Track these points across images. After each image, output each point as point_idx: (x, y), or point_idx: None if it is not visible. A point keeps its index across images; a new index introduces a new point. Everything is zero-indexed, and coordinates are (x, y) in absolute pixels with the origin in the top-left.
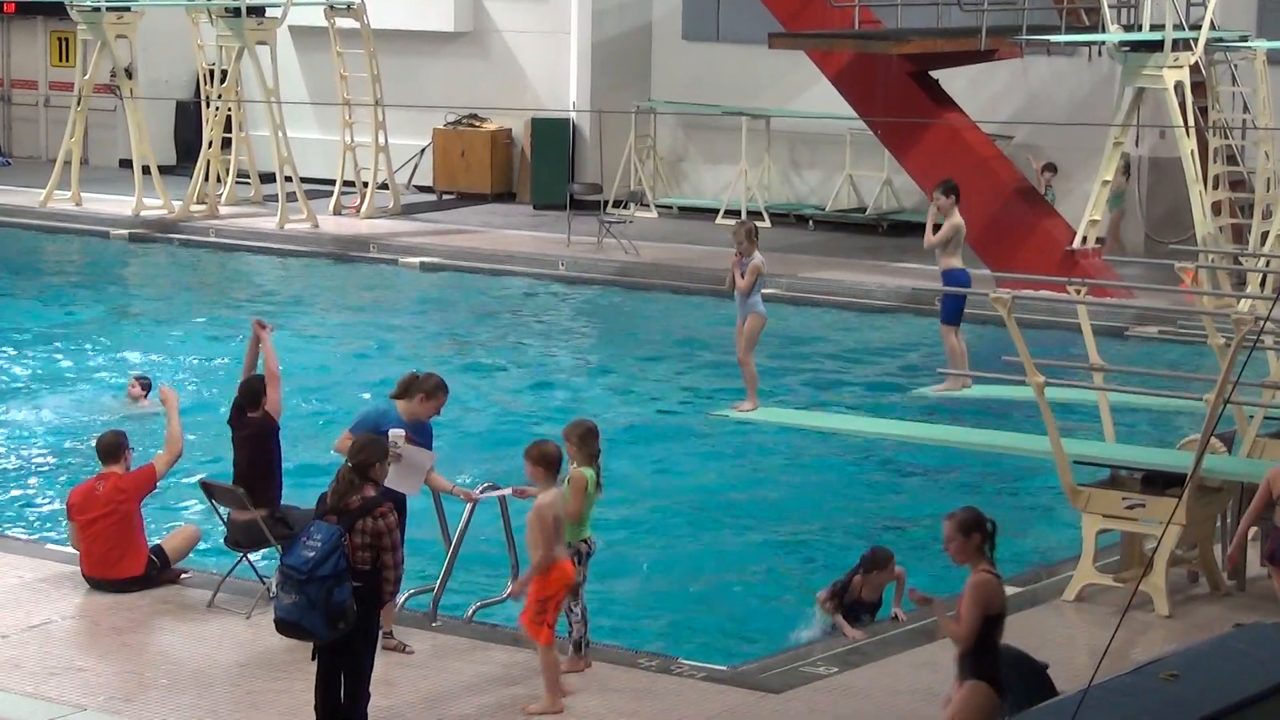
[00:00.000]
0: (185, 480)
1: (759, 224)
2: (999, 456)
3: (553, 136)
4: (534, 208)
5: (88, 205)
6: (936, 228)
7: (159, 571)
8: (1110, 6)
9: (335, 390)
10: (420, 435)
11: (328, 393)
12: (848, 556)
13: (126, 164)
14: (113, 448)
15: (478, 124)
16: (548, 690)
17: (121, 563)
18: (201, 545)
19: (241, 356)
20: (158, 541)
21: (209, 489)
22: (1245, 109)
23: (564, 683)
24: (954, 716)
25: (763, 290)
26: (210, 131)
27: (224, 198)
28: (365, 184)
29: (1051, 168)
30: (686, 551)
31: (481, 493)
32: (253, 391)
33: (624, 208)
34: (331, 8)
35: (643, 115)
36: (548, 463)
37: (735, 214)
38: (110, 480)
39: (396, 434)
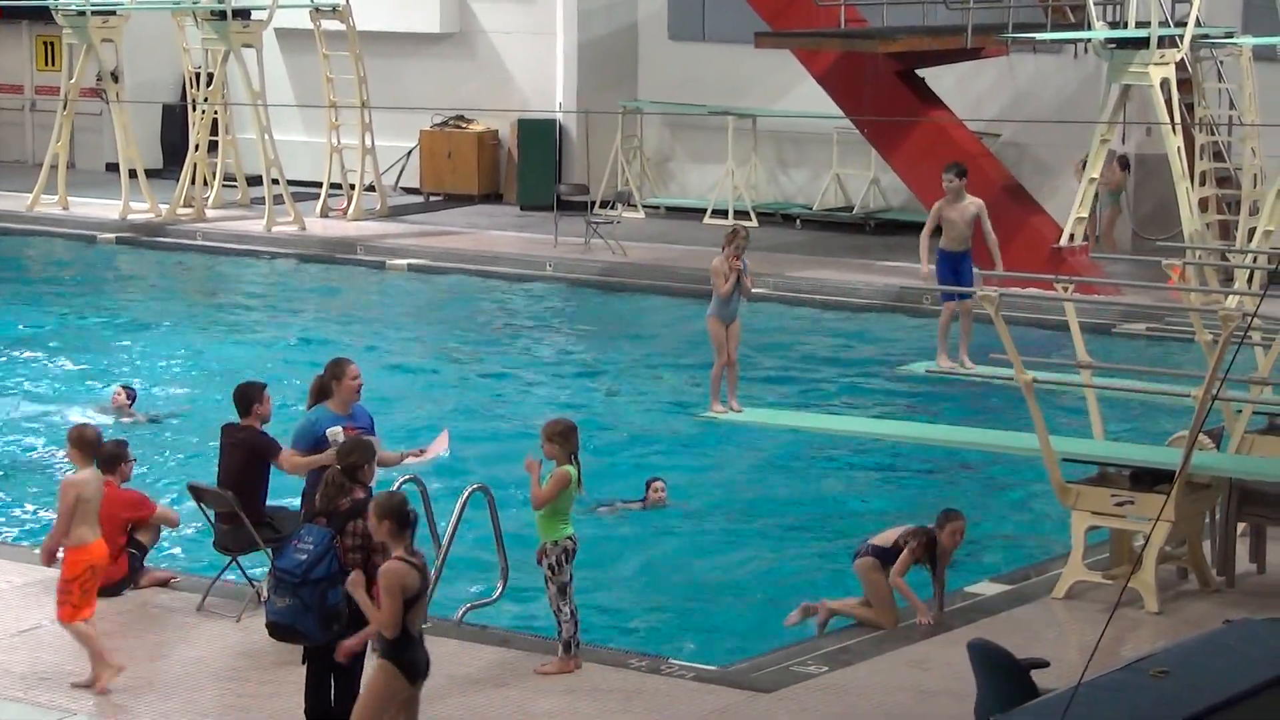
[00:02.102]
0: (172, 482)
1: (746, 224)
2: (987, 454)
3: (539, 137)
4: (521, 209)
5: (74, 209)
6: (936, 230)
7: (140, 562)
8: (1096, 4)
9: None
10: (360, 421)
11: None
12: (835, 555)
13: (113, 167)
14: (109, 458)
15: (464, 125)
16: (95, 662)
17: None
18: (190, 548)
19: (228, 359)
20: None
21: (197, 492)
22: (1231, 105)
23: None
24: (362, 696)
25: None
26: (196, 134)
27: (210, 201)
28: (352, 186)
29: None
30: (675, 551)
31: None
32: (242, 398)
33: (611, 208)
34: (317, 10)
35: (629, 115)
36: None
37: (722, 214)
38: (109, 489)
39: (334, 431)
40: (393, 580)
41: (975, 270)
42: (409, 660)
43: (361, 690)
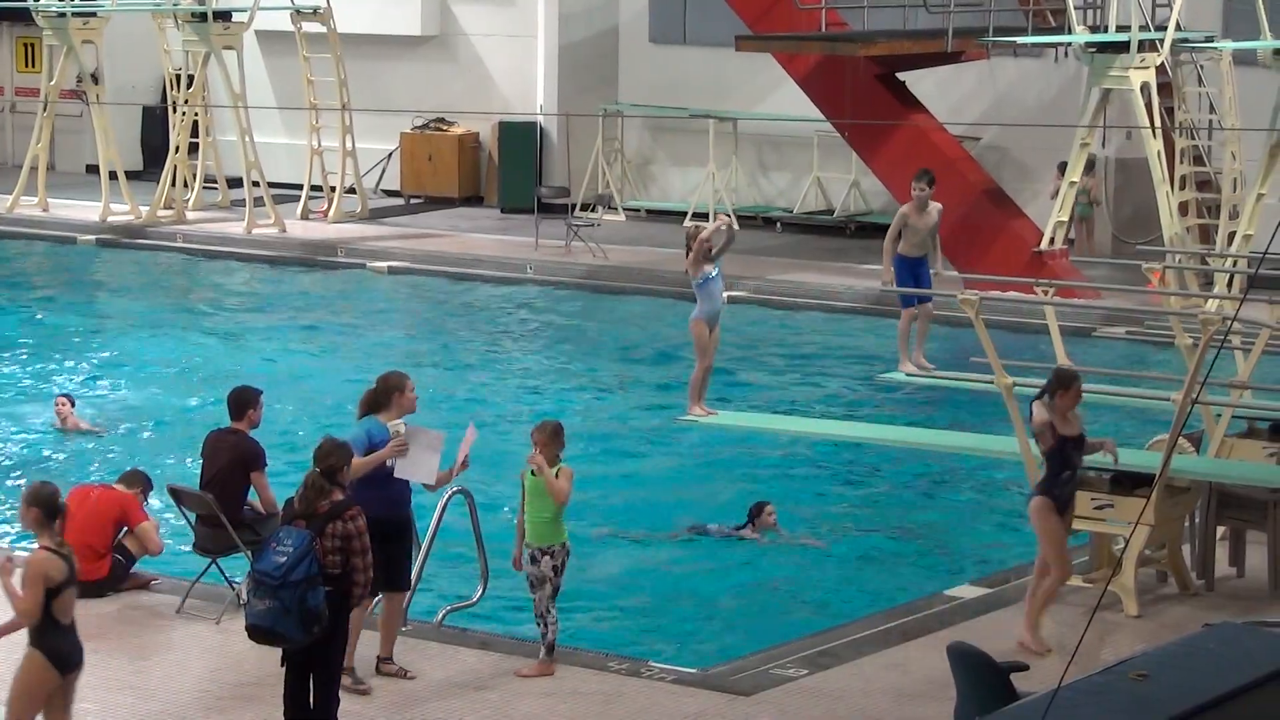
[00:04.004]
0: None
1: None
2: (966, 456)
3: (520, 140)
4: (501, 211)
5: (55, 211)
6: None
7: (125, 570)
8: (1076, 8)
9: (304, 395)
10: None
11: (297, 398)
12: (818, 556)
13: (93, 169)
14: (132, 478)
15: (445, 128)
16: None
17: (87, 566)
18: (171, 550)
19: (207, 362)
20: (120, 539)
21: (177, 494)
22: (1211, 110)
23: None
24: (12, 686)
25: (727, 291)
26: (177, 136)
27: (191, 203)
28: (333, 188)
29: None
30: (655, 554)
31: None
32: (238, 402)
33: (591, 211)
34: (298, 12)
35: (610, 118)
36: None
37: (703, 217)
38: (109, 492)
39: (397, 425)
40: (37, 569)
41: (956, 274)
42: (55, 649)
43: (12, 681)
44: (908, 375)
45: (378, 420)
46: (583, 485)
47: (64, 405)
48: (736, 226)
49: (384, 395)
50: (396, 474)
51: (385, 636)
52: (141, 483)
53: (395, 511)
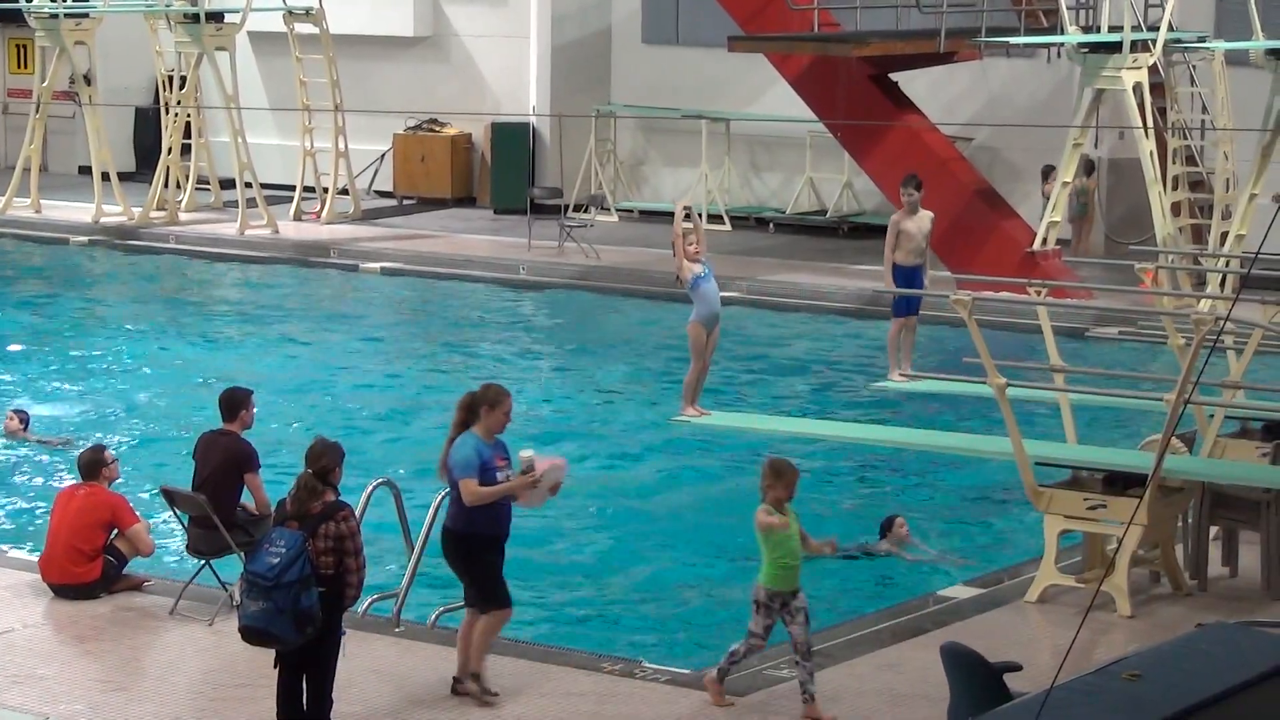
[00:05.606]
0: (148, 484)
1: (720, 227)
2: (960, 457)
3: (513, 141)
4: (494, 212)
5: (47, 212)
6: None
7: (117, 571)
8: (1069, 8)
9: (296, 395)
10: (499, 449)
11: (290, 398)
12: (814, 557)
13: (86, 171)
14: (90, 465)
15: (438, 129)
16: None
17: (78, 568)
18: (164, 551)
19: (205, 360)
20: (111, 540)
21: (170, 496)
22: (1204, 110)
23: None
24: None
25: (721, 292)
26: (170, 137)
27: (184, 204)
28: (325, 189)
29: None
30: (650, 554)
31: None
32: (229, 403)
33: (584, 211)
34: (290, 13)
35: (603, 119)
36: None
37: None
38: (93, 493)
39: (527, 456)
40: None
41: (948, 274)
42: None
43: None
44: (898, 383)
45: (476, 435)
46: (577, 486)
47: (12, 420)
48: (691, 205)
49: (476, 406)
50: (520, 504)
51: (475, 652)
52: (99, 463)
53: (502, 529)
